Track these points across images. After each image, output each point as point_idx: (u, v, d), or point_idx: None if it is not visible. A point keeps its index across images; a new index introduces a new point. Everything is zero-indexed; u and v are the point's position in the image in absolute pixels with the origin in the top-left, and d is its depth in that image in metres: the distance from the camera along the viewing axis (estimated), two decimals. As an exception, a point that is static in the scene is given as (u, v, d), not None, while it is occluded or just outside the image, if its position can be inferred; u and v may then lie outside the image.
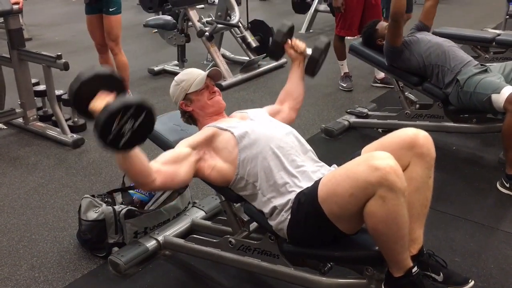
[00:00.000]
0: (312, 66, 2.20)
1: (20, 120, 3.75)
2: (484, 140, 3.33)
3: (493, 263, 2.20)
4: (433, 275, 1.74)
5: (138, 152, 1.60)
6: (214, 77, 2.04)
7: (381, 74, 4.47)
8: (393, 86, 4.36)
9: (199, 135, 1.90)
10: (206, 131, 1.91)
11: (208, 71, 2.01)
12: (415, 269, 1.61)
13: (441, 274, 1.74)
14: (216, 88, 2.03)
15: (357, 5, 4.20)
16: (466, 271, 2.13)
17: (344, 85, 4.49)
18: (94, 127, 1.45)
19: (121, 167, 1.64)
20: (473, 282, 1.72)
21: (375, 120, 3.52)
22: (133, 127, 1.48)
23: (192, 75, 2.00)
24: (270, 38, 5.20)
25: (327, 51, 2.24)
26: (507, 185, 2.71)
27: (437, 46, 3.05)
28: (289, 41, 2.22)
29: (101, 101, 1.54)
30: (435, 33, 3.39)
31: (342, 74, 4.54)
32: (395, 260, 1.60)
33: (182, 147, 1.84)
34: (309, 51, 2.21)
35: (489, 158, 3.13)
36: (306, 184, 1.75)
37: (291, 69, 2.28)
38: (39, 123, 3.74)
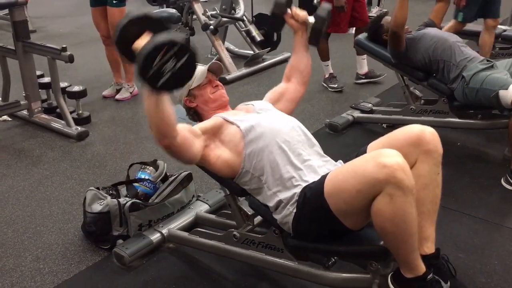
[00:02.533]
0: (316, 36, 2.09)
1: (25, 112, 3.76)
2: (489, 136, 3.32)
3: (497, 259, 2.20)
4: (441, 281, 1.72)
5: (168, 101, 1.59)
6: (216, 71, 2.04)
7: (364, 69, 4.41)
8: (377, 79, 4.41)
9: (208, 122, 1.90)
10: (215, 120, 1.90)
11: (209, 64, 2.01)
12: (430, 276, 1.60)
13: (449, 282, 1.70)
14: (218, 82, 2.04)
15: (348, 1, 4.09)
16: (469, 267, 2.14)
17: (335, 85, 4.31)
18: (136, 61, 1.44)
19: (150, 111, 1.60)
20: None
21: (379, 115, 3.51)
22: (174, 68, 1.44)
23: None
24: (275, 33, 5.20)
25: (329, 19, 2.11)
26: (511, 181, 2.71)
27: (443, 41, 3.04)
28: (289, 11, 2.11)
29: (145, 41, 1.53)
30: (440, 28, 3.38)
31: (327, 75, 4.37)
32: (404, 260, 1.59)
33: (195, 128, 1.85)
34: (310, 19, 2.08)
35: (494, 155, 3.13)
36: (312, 178, 1.75)
37: (294, 40, 2.17)
38: (44, 115, 3.75)
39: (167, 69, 1.44)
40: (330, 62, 4.37)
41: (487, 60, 2.96)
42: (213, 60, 2.03)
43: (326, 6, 2.11)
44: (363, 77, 4.45)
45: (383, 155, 1.50)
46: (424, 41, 3.06)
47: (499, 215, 2.53)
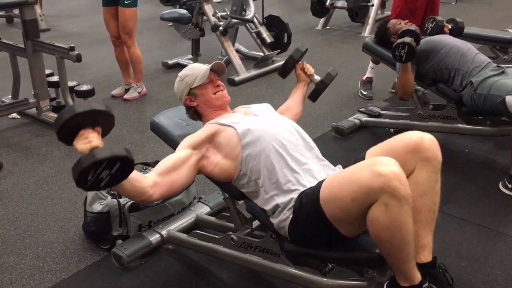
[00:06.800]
0: (319, 91, 2.36)
1: (34, 110, 3.79)
2: (498, 143, 3.26)
3: (499, 269, 2.15)
4: None
5: (128, 177, 1.58)
6: (218, 71, 2.03)
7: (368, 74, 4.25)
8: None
9: (200, 133, 1.89)
10: (208, 128, 1.90)
11: (211, 64, 2.00)
12: (426, 285, 1.58)
13: None
14: (220, 82, 2.03)
15: (420, 5, 3.86)
16: (471, 276, 2.10)
17: (365, 93, 4.19)
18: (72, 176, 1.47)
19: (117, 190, 1.65)
20: None
21: (387, 120, 3.47)
22: (111, 173, 1.48)
23: (196, 70, 2.00)
24: (285, 34, 5.18)
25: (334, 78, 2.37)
26: (509, 186, 2.68)
27: (455, 49, 2.99)
28: (301, 62, 2.34)
29: (81, 142, 1.51)
30: (452, 33, 3.32)
31: (365, 78, 4.23)
32: (400, 269, 1.57)
33: (182, 150, 1.84)
34: (316, 77, 2.35)
35: (502, 162, 3.06)
36: (309, 182, 1.74)
37: (296, 88, 2.37)
38: (52, 114, 3.77)
39: (104, 176, 1.48)
40: (376, 67, 4.17)
41: (498, 66, 2.91)
42: (220, 61, 2.02)
43: (335, 70, 2.37)
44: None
45: (378, 163, 1.48)
46: (435, 50, 3.01)
47: (504, 223, 2.48)
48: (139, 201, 1.73)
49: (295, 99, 2.32)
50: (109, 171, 1.47)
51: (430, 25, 3.30)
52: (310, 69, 2.35)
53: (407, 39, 2.80)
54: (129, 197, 1.70)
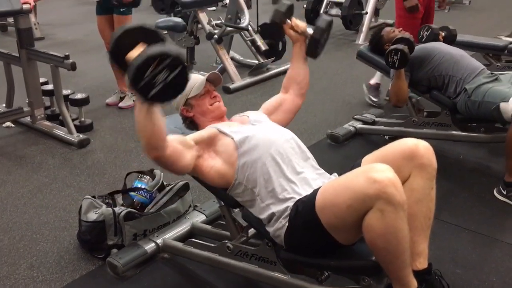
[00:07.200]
0: (313, 47, 2.05)
1: (28, 118, 3.78)
2: (492, 150, 3.27)
3: (495, 275, 2.15)
4: None
5: (159, 113, 1.58)
6: (214, 81, 2.04)
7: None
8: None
9: (203, 133, 1.89)
10: (210, 130, 1.90)
11: (207, 74, 2.01)
12: None
13: None
14: (216, 93, 2.03)
15: (420, 14, 3.84)
16: (467, 283, 2.10)
17: (375, 99, 4.11)
18: (128, 70, 1.44)
19: (140, 122, 1.58)
20: None
21: (381, 127, 3.48)
22: (166, 80, 1.45)
23: (192, 80, 1.99)
24: (280, 42, 5.20)
25: (329, 31, 2.08)
26: (504, 192, 2.69)
27: (448, 56, 3.00)
28: (289, 21, 2.08)
29: (138, 52, 1.52)
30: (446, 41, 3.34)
31: (373, 83, 4.16)
32: (396, 275, 1.57)
33: (187, 139, 1.84)
34: (310, 31, 2.07)
35: (496, 168, 3.07)
36: (305, 191, 1.74)
37: (293, 52, 2.15)
38: (46, 122, 3.76)
39: (159, 81, 1.45)
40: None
41: (491, 73, 2.93)
42: (215, 71, 2.03)
43: (326, 17, 2.09)
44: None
45: (374, 170, 1.48)
46: (429, 58, 3.02)
47: (499, 230, 2.49)
48: (153, 145, 1.62)
49: (295, 63, 2.14)
50: (168, 74, 1.45)
51: (426, 33, 3.31)
52: (300, 26, 2.06)
53: (400, 46, 2.82)
54: (150, 134, 1.59)
